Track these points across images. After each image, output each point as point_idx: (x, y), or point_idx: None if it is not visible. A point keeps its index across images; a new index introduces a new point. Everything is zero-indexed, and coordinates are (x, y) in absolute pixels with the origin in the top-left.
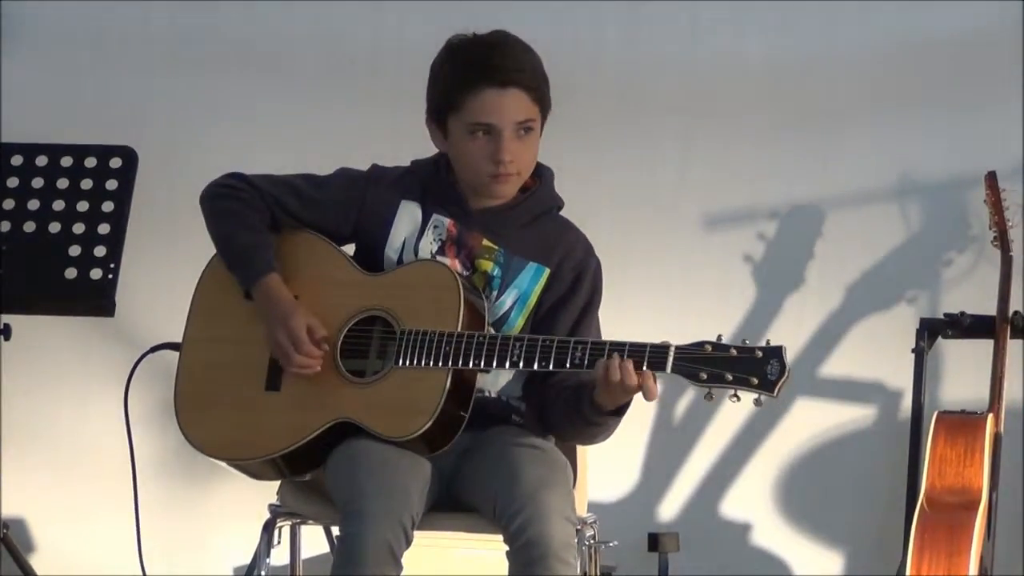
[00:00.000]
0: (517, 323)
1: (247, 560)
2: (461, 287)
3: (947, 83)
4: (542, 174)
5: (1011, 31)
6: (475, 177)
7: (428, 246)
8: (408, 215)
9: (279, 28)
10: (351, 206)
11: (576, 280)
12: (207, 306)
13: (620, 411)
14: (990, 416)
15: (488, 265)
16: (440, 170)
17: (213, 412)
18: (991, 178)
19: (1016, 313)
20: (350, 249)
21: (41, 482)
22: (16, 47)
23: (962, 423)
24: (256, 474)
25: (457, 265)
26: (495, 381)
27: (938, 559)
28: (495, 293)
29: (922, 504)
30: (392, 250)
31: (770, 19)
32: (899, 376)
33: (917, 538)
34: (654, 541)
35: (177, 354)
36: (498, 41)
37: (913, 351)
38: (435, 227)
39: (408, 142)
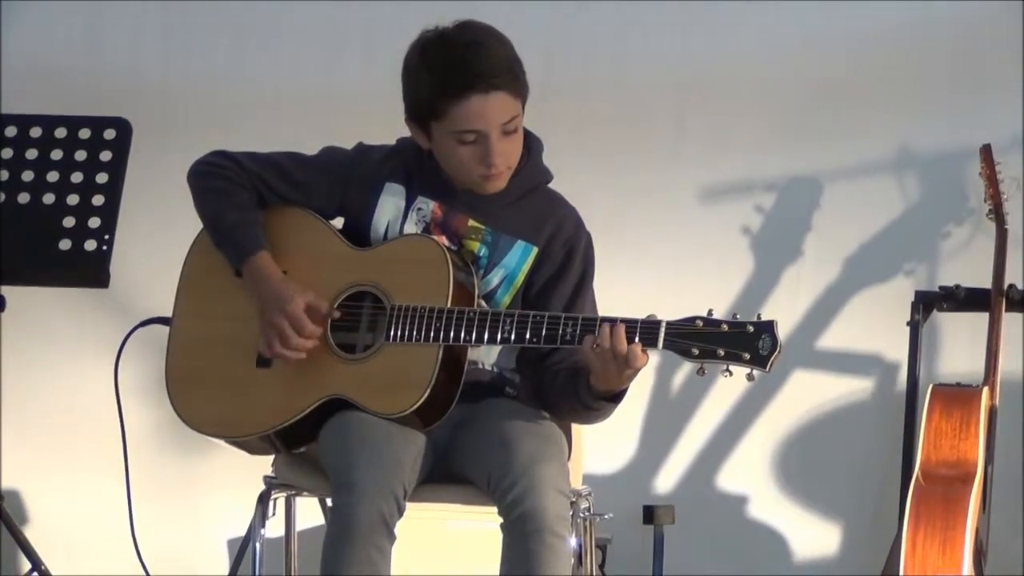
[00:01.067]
0: (504, 301)
1: (241, 532)
2: (450, 261)
3: (946, 57)
4: (530, 146)
5: (1011, 6)
6: (466, 178)
7: (412, 229)
8: (392, 198)
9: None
10: (335, 187)
11: (567, 256)
12: (196, 282)
13: (617, 397)
14: (985, 389)
15: (475, 245)
16: (425, 151)
17: (204, 389)
18: (986, 151)
19: (1011, 286)
20: (338, 223)
21: (35, 454)
22: (10, 19)
23: (957, 396)
24: (251, 449)
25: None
26: (488, 353)
27: (934, 532)
28: (482, 272)
29: (917, 477)
30: (376, 232)
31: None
32: (896, 348)
33: (912, 511)
34: (649, 513)
35: (167, 328)
36: (472, 41)
37: (908, 324)
38: (419, 209)
39: (400, 116)
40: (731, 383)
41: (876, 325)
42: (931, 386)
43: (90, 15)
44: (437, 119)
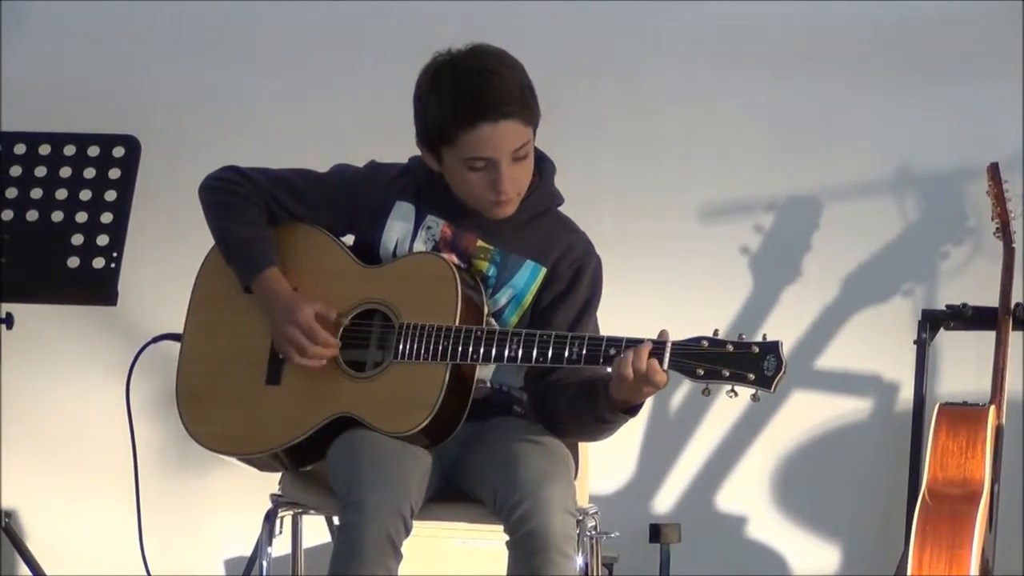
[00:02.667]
0: (511, 321)
1: (246, 550)
2: (458, 280)
3: (945, 75)
4: (543, 169)
5: (1011, 21)
6: (476, 203)
7: (420, 248)
8: (401, 216)
9: (283, 16)
10: (345, 205)
11: (575, 277)
12: (207, 299)
13: (634, 410)
14: (992, 408)
15: (483, 265)
16: (436, 171)
17: (214, 407)
18: (993, 169)
19: (1018, 305)
20: (348, 239)
21: (42, 472)
22: (18, 35)
23: (964, 415)
24: (259, 466)
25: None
26: (495, 372)
27: (940, 551)
28: (490, 291)
29: (924, 496)
30: (385, 250)
31: (767, 11)
32: (896, 368)
33: (919, 530)
34: (656, 532)
35: (178, 344)
36: (483, 68)
37: (915, 343)
38: (428, 228)
39: (411, 133)
40: (732, 403)
41: (875, 345)
42: (938, 405)
43: (99, 31)
44: (447, 145)
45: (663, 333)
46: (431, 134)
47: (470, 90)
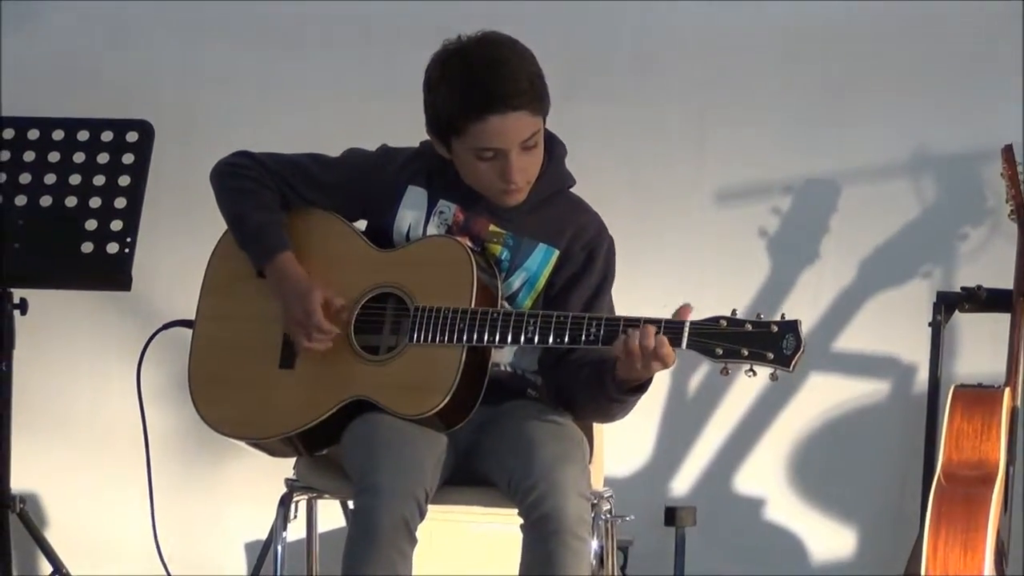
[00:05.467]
0: (525, 304)
1: (261, 535)
2: (474, 262)
3: (962, 56)
4: (553, 151)
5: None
6: (486, 191)
7: (433, 232)
8: (414, 201)
9: (295, 1)
10: (357, 190)
11: (588, 259)
12: (219, 284)
13: (643, 387)
14: (1007, 390)
15: (497, 249)
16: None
17: (227, 391)
18: (1008, 152)
19: None
20: (361, 224)
21: (56, 457)
22: (29, 21)
23: (979, 397)
24: (272, 451)
25: None
26: (510, 355)
27: (955, 533)
28: (504, 275)
29: (939, 478)
30: (398, 235)
31: None
32: (913, 351)
33: (934, 512)
34: (671, 515)
35: (190, 331)
36: (493, 58)
37: (930, 324)
38: (440, 212)
39: (422, 117)
40: (748, 384)
41: (893, 327)
42: (952, 387)
43: (111, 17)
44: (457, 135)
45: (685, 307)
46: (440, 124)
47: (479, 81)
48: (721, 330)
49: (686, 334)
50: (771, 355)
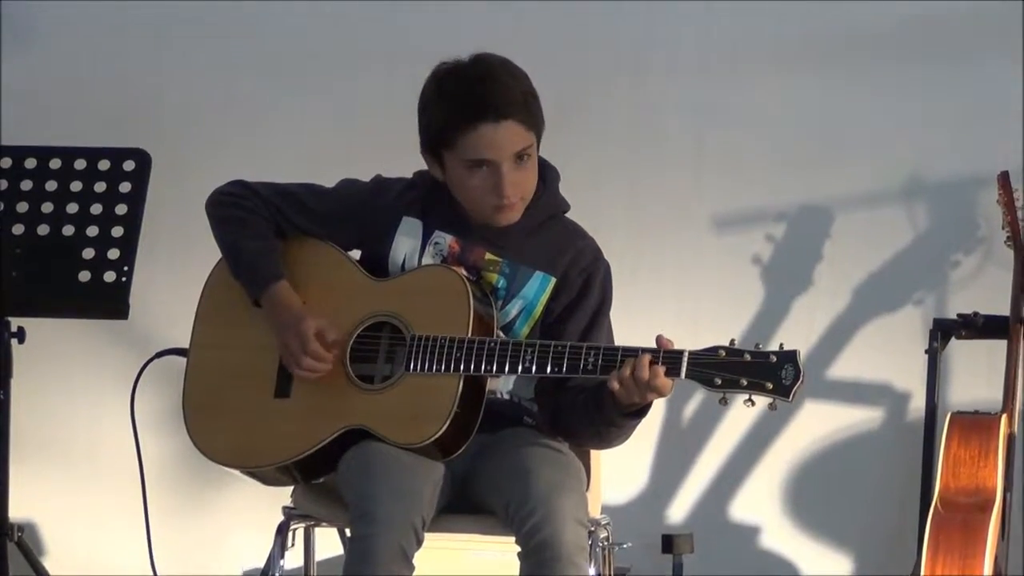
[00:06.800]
0: (522, 332)
1: (258, 563)
2: (470, 291)
3: (955, 84)
4: (546, 176)
5: (1018, 30)
6: (479, 209)
7: (428, 263)
8: (409, 231)
9: (293, 29)
10: (351, 221)
11: (585, 285)
12: (214, 312)
13: (641, 412)
14: (1004, 416)
15: (493, 277)
16: (441, 184)
17: (222, 420)
18: (1004, 178)
19: None
20: (356, 254)
21: (54, 485)
22: (27, 47)
23: (976, 424)
24: (268, 480)
25: None
26: (506, 382)
27: (952, 560)
28: (500, 304)
29: (936, 505)
30: (394, 265)
31: (776, 21)
32: (907, 378)
33: (931, 539)
34: (668, 542)
35: (184, 359)
36: (485, 73)
37: (926, 351)
38: (436, 243)
39: (417, 147)
40: (744, 412)
41: (886, 354)
42: (949, 414)
43: (109, 45)
44: (449, 148)
45: (660, 339)
46: (433, 139)
47: (472, 92)
48: (720, 360)
49: (684, 364)
50: (770, 385)
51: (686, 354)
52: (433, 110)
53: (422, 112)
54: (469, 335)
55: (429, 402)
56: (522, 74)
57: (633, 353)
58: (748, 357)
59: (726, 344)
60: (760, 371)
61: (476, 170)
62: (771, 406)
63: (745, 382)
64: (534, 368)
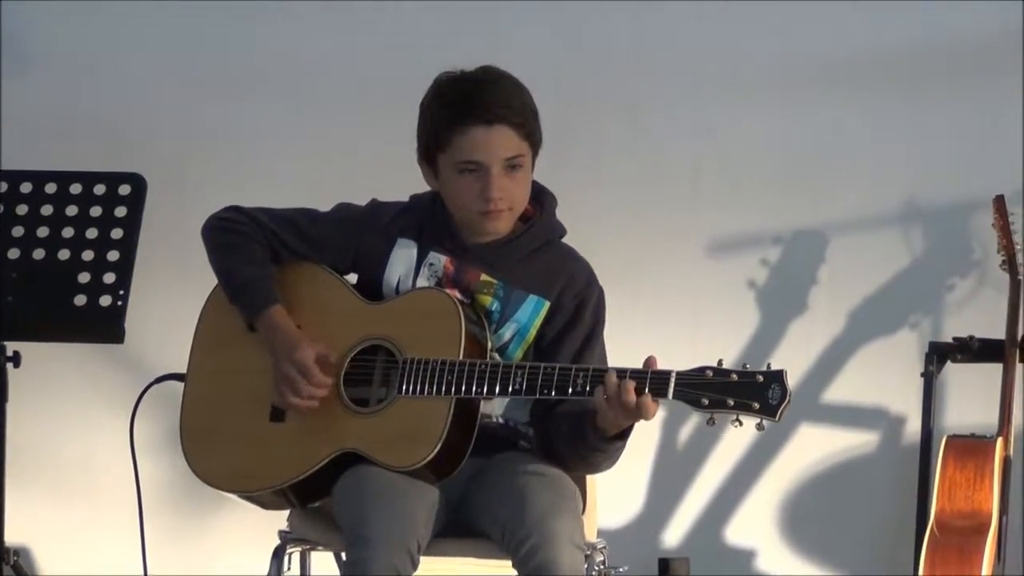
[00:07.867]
0: (516, 356)
1: None
2: (462, 314)
3: (950, 109)
4: (543, 201)
5: (1013, 55)
6: (466, 215)
7: (423, 284)
8: (403, 254)
9: (289, 52)
10: (347, 244)
11: (578, 309)
12: (210, 337)
13: (623, 435)
14: (999, 440)
15: (487, 300)
16: (437, 206)
17: (218, 444)
18: (999, 202)
19: None
20: (352, 278)
21: (50, 510)
22: (23, 72)
23: (972, 447)
24: (265, 504)
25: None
26: (501, 406)
27: None
28: (494, 327)
29: (932, 528)
30: (388, 288)
31: (773, 46)
32: (903, 401)
33: (927, 562)
34: (664, 566)
35: (182, 384)
36: (485, 79)
37: (922, 375)
38: (430, 265)
39: (414, 172)
40: (739, 435)
41: (882, 378)
42: (945, 437)
43: (106, 69)
44: (441, 150)
45: (651, 359)
46: (428, 142)
47: (468, 94)
48: (707, 380)
49: (672, 384)
50: (757, 405)
51: (673, 374)
52: (429, 113)
53: (420, 117)
54: (461, 357)
55: (421, 425)
56: (525, 89)
57: (623, 374)
58: (735, 377)
59: (713, 365)
60: (747, 391)
61: (466, 174)
62: (759, 426)
63: (732, 402)
64: (524, 390)
